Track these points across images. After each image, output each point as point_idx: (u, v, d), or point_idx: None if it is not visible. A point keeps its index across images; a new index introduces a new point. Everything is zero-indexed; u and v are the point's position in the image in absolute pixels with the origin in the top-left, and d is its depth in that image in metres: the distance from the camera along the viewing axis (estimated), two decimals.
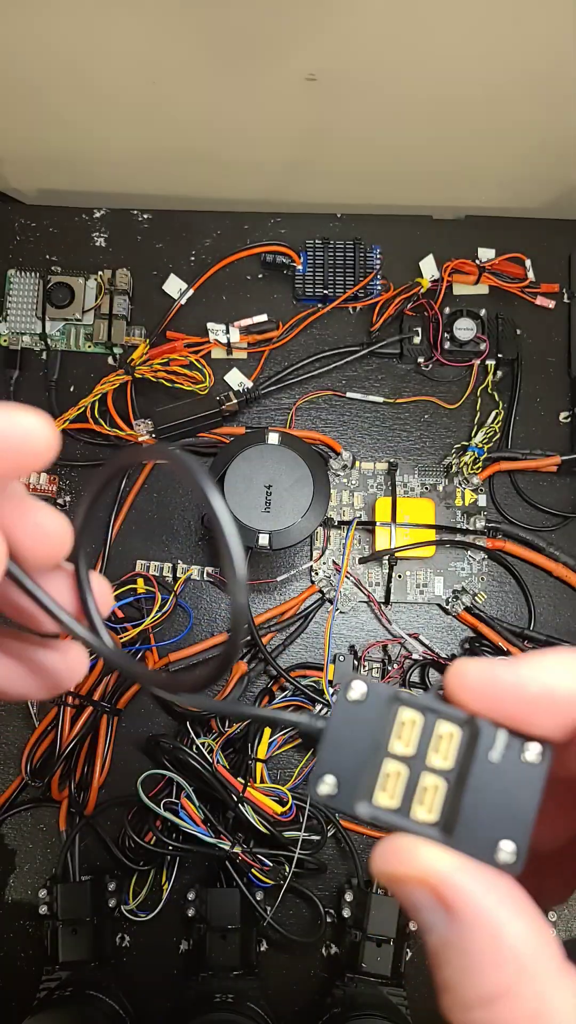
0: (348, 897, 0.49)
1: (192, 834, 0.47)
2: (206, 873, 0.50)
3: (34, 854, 0.52)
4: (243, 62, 0.47)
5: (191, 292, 0.58)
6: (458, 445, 0.56)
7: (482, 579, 0.55)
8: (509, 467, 0.55)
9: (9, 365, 0.57)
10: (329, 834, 0.50)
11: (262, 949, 0.50)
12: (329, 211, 0.60)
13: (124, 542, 0.55)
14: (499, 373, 0.57)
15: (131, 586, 0.53)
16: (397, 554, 0.52)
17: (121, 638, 0.51)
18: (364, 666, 0.53)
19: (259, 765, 0.49)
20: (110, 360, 0.58)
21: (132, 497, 0.55)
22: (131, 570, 0.54)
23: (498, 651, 0.52)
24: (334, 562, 0.54)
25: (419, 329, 0.57)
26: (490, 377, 0.57)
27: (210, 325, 0.57)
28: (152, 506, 0.56)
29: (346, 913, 0.49)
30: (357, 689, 0.18)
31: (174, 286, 0.58)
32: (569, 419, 0.57)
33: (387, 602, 0.54)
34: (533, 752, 0.17)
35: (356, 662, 0.53)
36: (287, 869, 0.47)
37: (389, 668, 0.53)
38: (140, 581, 0.53)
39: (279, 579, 0.54)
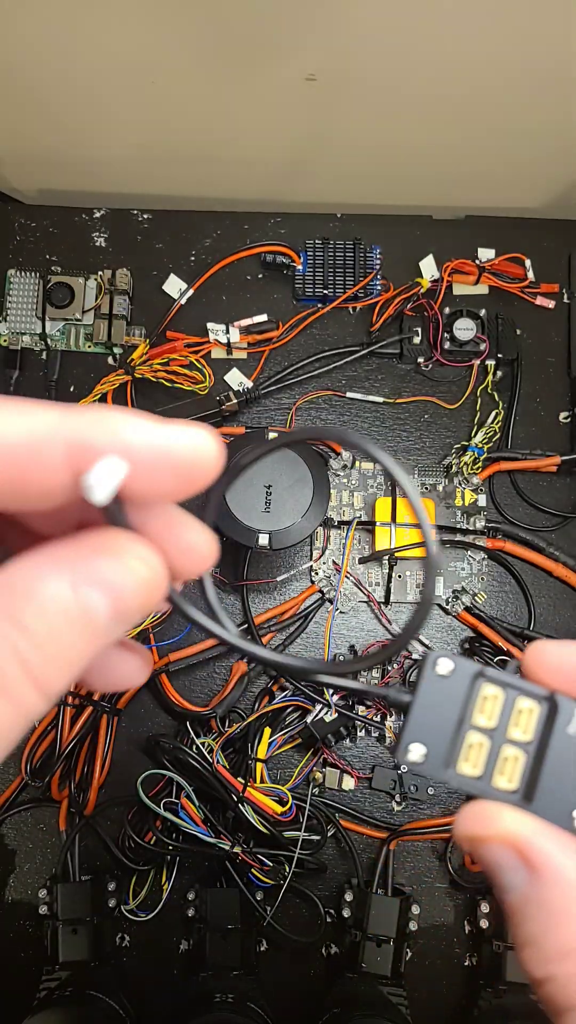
0: (348, 897, 0.49)
1: (192, 834, 0.47)
2: (206, 873, 0.50)
3: (34, 854, 0.52)
4: (243, 62, 0.47)
5: (191, 292, 0.58)
6: (458, 445, 0.56)
7: (482, 579, 0.55)
8: (509, 467, 0.55)
9: (9, 365, 0.57)
10: (329, 834, 0.50)
11: (262, 949, 0.50)
12: (329, 211, 0.60)
13: None
14: (499, 373, 0.57)
15: None
16: (397, 554, 0.52)
17: None
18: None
19: (259, 765, 0.49)
20: (110, 360, 0.58)
21: None
22: None
23: (498, 651, 0.52)
24: (334, 562, 0.54)
25: (419, 329, 0.57)
26: (490, 377, 0.57)
27: (210, 325, 0.57)
28: None
29: (346, 913, 0.49)
30: (444, 665, 0.19)
31: (174, 286, 0.58)
32: (569, 419, 0.57)
33: (387, 602, 0.54)
34: None
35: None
36: (287, 869, 0.47)
37: (389, 668, 0.53)
38: None
39: (279, 579, 0.54)
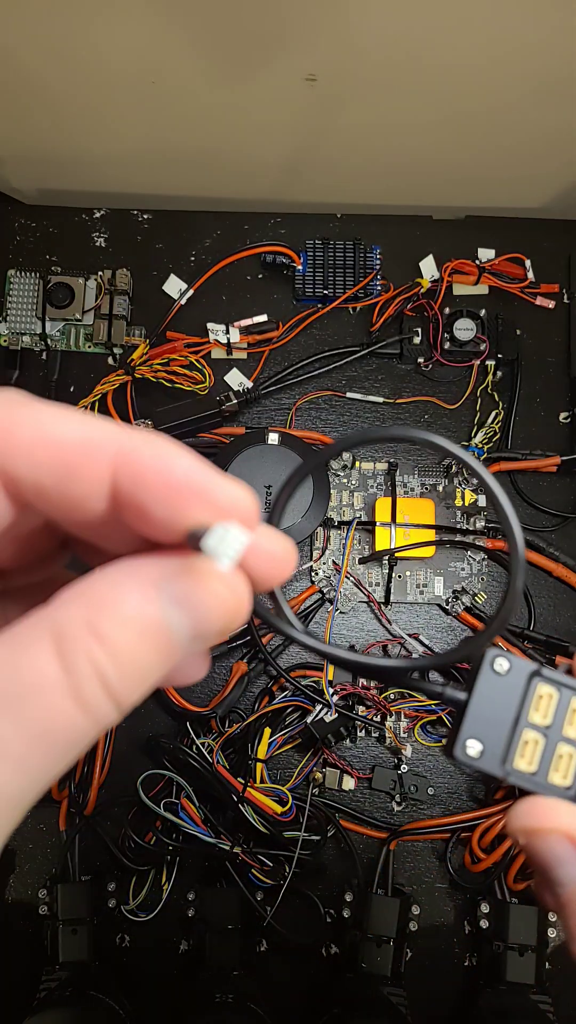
0: (348, 897, 0.49)
1: (192, 834, 0.47)
2: (206, 873, 0.50)
3: (34, 854, 0.52)
4: (243, 62, 0.47)
5: (191, 292, 0.58)
6: (459, 445, 0.56)
7: (482, 579, 0.55)
8: (509, 467, 0.55)
9: (9, 365, 0.57)
10: (329, 834, 0.50)
11: (262, 949, 0.50)
12: (329, 211, 0.60)
13: None
14: (499, 373, 0.57)
15: None
16: (397, 554, 0.52)
17: None
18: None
19: (259, 765, 0.49)
20: (110, 360, 0.58)
21: None
22: None
23: None
24: (334, 562, 0.54)
25: (419, 329, 0.57)
26: (490, 377, 0.57)
27: (210, 325, 0.57)
28: None
29: (346, 913, 0.49)
30: (501, 664, 0.20)
31: (174, 286, 0.58)
32: (569, 419, 0.57)
33: (387, 602, 0.54)
34: None
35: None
36: (287, 869, 0.47)
37: None
38: None
39: None
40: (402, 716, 0.52)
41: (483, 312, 0.56)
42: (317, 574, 0.54)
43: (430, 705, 0.51)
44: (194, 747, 0.48)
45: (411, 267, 0.58)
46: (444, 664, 0.21)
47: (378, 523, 0.53)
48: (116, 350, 0.58)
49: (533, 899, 0.48)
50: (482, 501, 0.55)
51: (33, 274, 0.58)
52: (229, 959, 0.47)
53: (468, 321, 0.56)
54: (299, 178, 0.59)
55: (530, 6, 0.42)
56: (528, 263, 0.58)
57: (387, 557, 0.53)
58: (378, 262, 0.58)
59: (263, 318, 0.57)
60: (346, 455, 0.55)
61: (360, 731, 0.52)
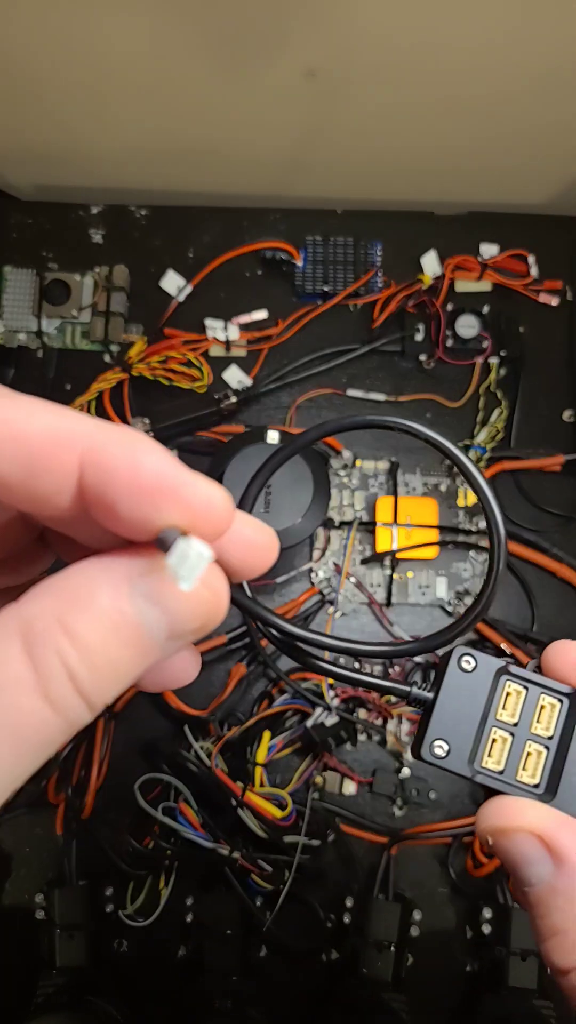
0: (348, 902, 0.49)
1: (190, 839, 0.46)
2: (205, 878, 0.49)
3: (31, 858, 0.51)
4: (242, 57, 0.47)
5: (189, 289, 0.57)
6: (460, 444, 0.55)
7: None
8: (512, 467, 0.54)
9: (5, 363, 0.57)
10: (329, 839, 0.50)
11: (261, 955, 0.49)
12: (329, 207, 0.59)
13: None
14: (502, 371, 0.56)
15: None
16: (399, 555, 0.52)
17: None
18: (365, 668, 0.52)
19: (258, 769, 0.48)
20: (107, 358, 0.57)
21: None
22: None
23: (500, 653, 0.51)
24: (334, 563, 0.54)
25: (421, 326, 0.56)
26: (493, 375, 0.56)
27: (208, 322, 0.56)
28: None
29: (346, 918, 0.48)
30: (468, 661, 0.20)
31: (172, 283, 0.58)
32: (573, 418, 0.56)
33: (388, 604, 0.53)
34: None
35: (357, 664, 0.52)
36: (286, 874, 0.47)
37: (391, 671, 0.52)
38: None
39: (278, 580, 0.53)
40: (403, 719, 0.51)
41: (486, 309, 0.56)
42: (317, 575, 0.54)
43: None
44: (192, 751, 0.48)
45: (413, 263, 0.58)
46: (423, 651, 0.20)
47: (379, 523, 0.52)
48: (113, 347, 0.57)
49: None
50: None
51: (29, 271, 0.57)
52: (228, 965, 0.47)
53: (471, 318, 0.55)
54: (299, 174, 0.59)
55: (533, 3, 0.41)
56: (532, 259, 0.57)
57: (388, 558, 0.52)
58: (379, 258, 0.58)
59: (262, 315, 0.56)
60: (347, 454, 0.55)
61: (361, 734, 0.52)
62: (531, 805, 0.19)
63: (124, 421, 0.54)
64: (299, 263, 0.57)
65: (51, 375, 0.57)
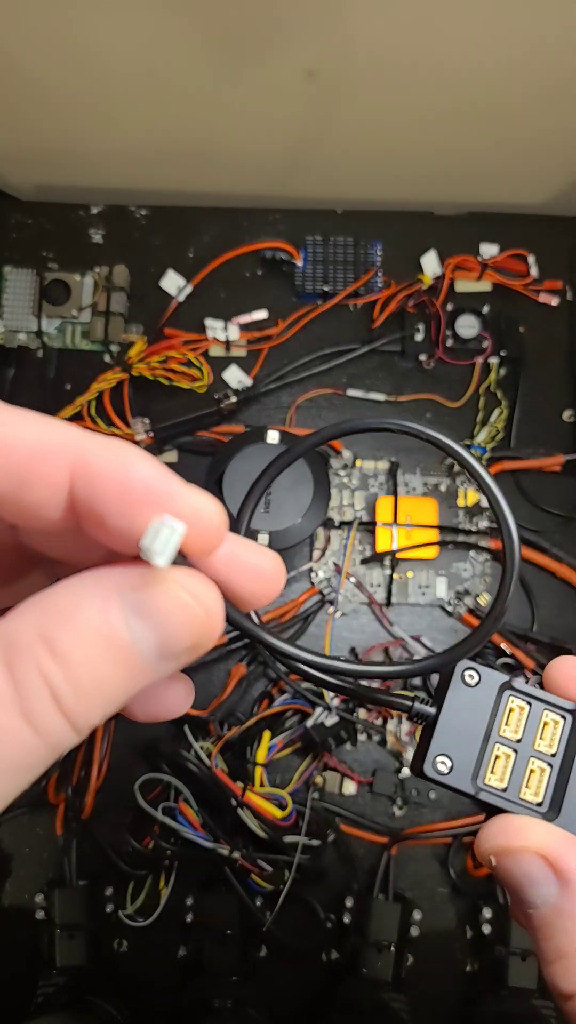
0: (348, 902, 0.49)
1: (190, 839, 0.46)
2: (205, 878, 0.49)
3: (31, 859, 0.51)
4: (243, 57, 0.47)
5: (190, 289, 0.57)
6: (461, 444, 0.55)
7: (485, 580, 0.54)
8: (512, 467, 0.54)
9: (5, 363, 0.57)
10: (329, 839, 0.50)
11: (261, 955, 0.49)
12: (329, 207, 0.59)
13: None
14: (502, 371, 0.56)
15: None
16: (399, 555, 0.52)
17: None
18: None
19: (258, 769, 0.48)
20: (107, 358, 0.57)
21: None
22: None
23: (500, 653, 0.51)
24: (334, 563, 0.54)
25: (421, 326, 0.56)
26: (493, 375, 0.56)
27: (208, 322, 0.56)
28: None
29: (346, 918, 0.48)
30: (471, 676, 0.19)
31: (172, 283, 0.58)
32: (573, 418, 0.56)
33: (388, 604, 0.53)
34: None
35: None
36: (287, 874, 0.47)
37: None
38: None
39: None
40: (403, 719, 0.51)
41: (486, 309, 0.56)
42: (317, 575, 0.54)
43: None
44: (192, 751, 0.48)
45: (412, 263, 0.58)
46: (420, 672, 0.20)
47: (379, 523, 0.52)
48: (113, 347, 0.57)
49: None
50: (485, 501, 0.55)
51: (29, 271, 0.57)
52: (228, 965, 0.47)
53: (471, 318, 0.55)
54: (299, 174, 0.59)
55: (533, 1, 0.41)
56: (531, 259, 0.57)
57: (388, 558, 0.52)
58: (379, 258, 0.58)
59: (262, 315, 0.56)
60: (347, 454, 0.55)
61: (361, 734, 0.52)
62: (535, 824, 0.18)
63: (124, 421, 0.54)
64: (299, 263, 0.57)
65: (51, 375, 0.57)
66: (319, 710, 0.49)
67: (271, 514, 0.48)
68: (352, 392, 0.56)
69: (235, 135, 0.54)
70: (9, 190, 0.60)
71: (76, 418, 0.54)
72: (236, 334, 0.56)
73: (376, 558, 0.53)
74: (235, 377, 0.56)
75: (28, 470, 0.14)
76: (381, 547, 0.52)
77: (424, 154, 0.55)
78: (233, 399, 0.54)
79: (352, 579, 0.53)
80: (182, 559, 0.15)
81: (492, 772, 0.19)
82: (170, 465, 0.45)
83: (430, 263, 0.57)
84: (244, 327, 0.56)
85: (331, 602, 0.53)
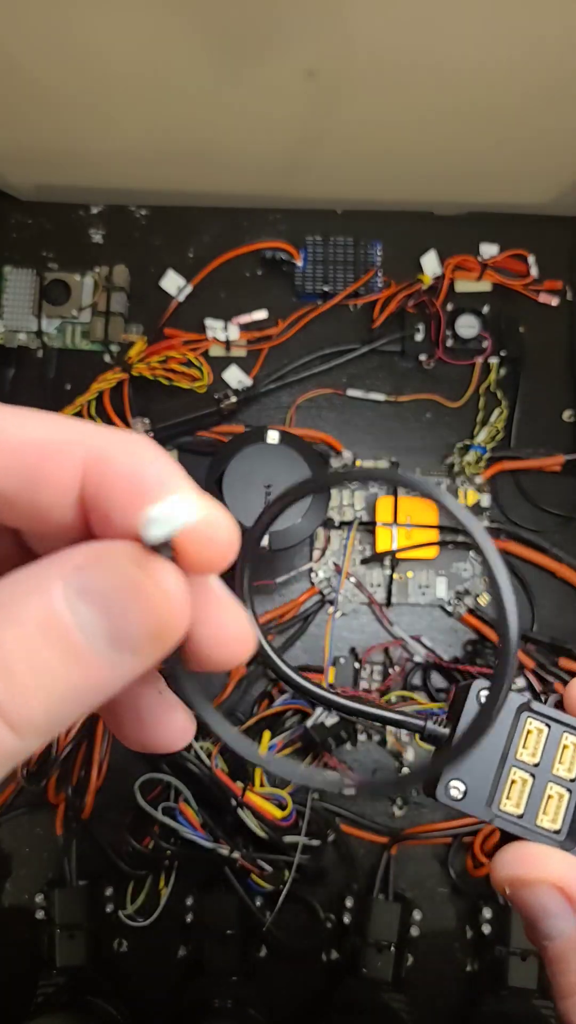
0: (348, 902, 0.49)
1: (190, 839, 0.46)
2: (205, 878, 0.50)
3: (31, 858, 0.51)
4: (243, 57, 0.47)
5: (189, 289, 0.57)
6: (460, 444, 0.55)
7: (485, 580, 0.54)
8: (512, 467, 0.54)
9: (5, 363, 0.57)
10: (329, 839, 0.50)
11: (261, 955, 0.49)
12: (329, 207, 0.59)
13: None
14: (502, 371, 0.56)
15: None
16: (398, 555, 0.52)
17: None
18: (365, 668, 0.52)
19: (258, 769, 0.48)
20: (107, 358, 0.57)
21: None
22: None
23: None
24: (334, 563, 0.54)
25: (421, 326, 0.56)
26: (493, 375, 0.56)
27: (208, 322, 0.56)
28: None
29: (346, 918, 0.48)
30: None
31: (172, 283, 0.58)
32: (573, 418, 0.56)
33: (388, 604, 0.53)
34: None
35: (357, 665, 0.52)
36: (287, 874, 0.47)
37: (390, 671, 0.52)
38: None
39: (278, 580, 0.53)
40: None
41: (486, 309, 0.56)
42: (317, 575, 0.54)
43: (432, 708, 0.50)
44: (192, 750, 0.48)
45: (412, 263, 0.58)
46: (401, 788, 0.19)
47: (379, 523, 0.52)
48: (113, 347, 0.57)
49: None
50: (485, 501, 0.55)
51: (29, 271, 0.57)
52: (228, 965, 0.47)
53: (471, 318, 0.55)
54: (299, 174, 0.59)
55: (533, 1, 0.41)
56: (532, 259, 0.57)
57: (388, 558, 0.52)
58: (379, 258, 0.58)
59: (262, 315, 0.56)
60: (347, 454, 0.55)
61: (361, 734, 0.52)
62: (552, 854, 0.17)
63: (124, 421, 0.54)
64: (299, 263, 0.57)
65: (51, 375, 0.57)
66: (319, 710, 0.49)
67: None
68: (352, 392, 0.56)
69: (235, 135, 0.54)
70: (9, 190, 0.60)
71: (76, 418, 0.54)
72: (236, 334, 0.56)
73: (376, 558, 0.53)
74: (235, 377, 0.56)
75: (39, 471, 0.14)
76: (381, 547, 0.52)
77: (424, 154, 0.55)
78: (233, 399, 0.54)
79: (352, 579, 0.53)
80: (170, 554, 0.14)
81: (508, 797, 0.18)
82: None
83: (430, 263, 0.57)
84: (244, 327, 0.56)
85: (331, 602, 0.53)
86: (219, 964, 0.47)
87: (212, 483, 0.48)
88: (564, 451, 0.54)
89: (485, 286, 0.57)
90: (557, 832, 0.18)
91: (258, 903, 0.48)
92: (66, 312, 0.56)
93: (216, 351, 0.57)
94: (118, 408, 0.55)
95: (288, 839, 0.47)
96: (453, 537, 0.53)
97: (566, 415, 0.56)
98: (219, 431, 0.54)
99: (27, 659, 0.12)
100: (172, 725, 0.16)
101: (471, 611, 0.53)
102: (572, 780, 0.18)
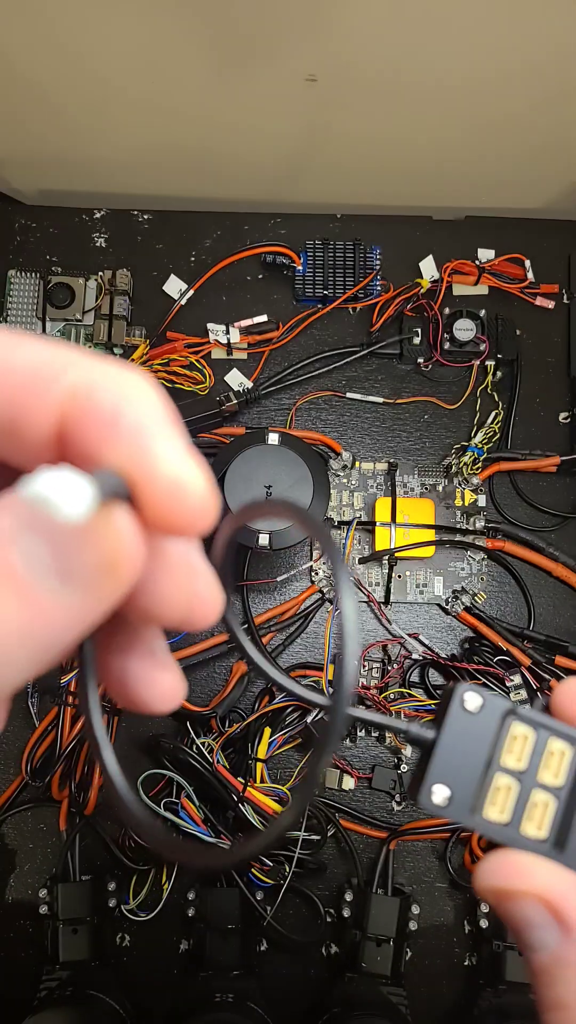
0: (348, 896, 0.49)
1: (192, 834, 0.47)
2: (206, 873, 0.50)
3: (34, 854, 0.52)
4: (243, 62, 0.47)
5: (191, 292, 0.58)
6: (458, 445, 0.56)
7: (482, 579, 0.55)
8: (509, 467, 0.55)
9: None
10: (329, 834, 0.50)
11: (262, 949, 0.50)
12: (329, 211, 0.60)
13: None
14: (499, 373, 0.57)
15: None
16: (397, 554, 0.52)
17: None
18: (364, 666, 0.53)
19: (259, 765, 0.49)
20: None
21: None
22: None
23: (498, 651, 0.52)
24: None
25: (419, 329, 0.57)
26: (490, 377, 0.57)
27: (210, 326, 0.57)
28: None
29: (346, 912, 0.49)
30: (472, 700, 0.18)
31: (174, 286, 0.58)
32: (569, 419, 0.57)
33: (387, 602, 0.54)
34: None
35: (356, 662, 0.53)
36: (287, 869, 0.47)
37: (389, 668, 0.53)
38: None
39: (279, 579, 0.54)
40: (402, 716, 0.52)
41: (483, 312, 0.56)
42: (317, 574, 0.54)
43: (429, 705, 0.51)
44: (194, 747, 0.48)
45: (411, 267, 0.58)
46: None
47: (378, 523, 0.53)
48: (116, 350, 0.58)
49: None
50: (482, 501, 0.55)
51: (33, 274, 0.58)
52: (229, 959, 0.47)
53: (468, 321, 0.56)
54: (299, 179, 0.59)
55: (529, 7, 0.42)
56: (528, 263, 0.58)
57: (387, 557, 0.53)
58: (378, 262, 0.59)
59: (263, 318, 0.57)
60: (346, 455, 0.55)
61: (360, 731, 0.52)
62: (538, 864, 0.17)
63: None
64: (299, 267, 0.57)
65: None
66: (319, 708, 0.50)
67: None
68: (352, 395, 0.57)
69: (236, 140, 0.55)
70: (14, 195, 0.61)
71: None
72: (237, 337, 0.57)
73: (375, 557, 0.53)
74: (236, 380, 0.57)
75: (23, 397, 0.13)
76: (380, 546, 0.52)
77: (423, 160, 0.56)
78: (234, 401, 0.54)
79: (351, 578, 0.54)
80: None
81: (492, 804, 0.18)
82: None
83: (428, 267, 0.58)
84: (245, 330, 0.57)
85: (331, 600, 0.54)
86: (220, 958, 0.47)
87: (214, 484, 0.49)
88: (560, 452, 0.55)
89: (482, 290, 0.58)
90: (543, 841, 0.17)
91: (259, 897, 0.49)
92: (70, 315, 0.57)
93: (218, 354, 0.57)
94: None
95: (288, 834, 0.48)
96: (450, 536, 0.54)
97: (562, 417, 0.57)
98: (221, 433, 0.55)
99: None
100: (162, 685, 0.16)
101: (468, 609, 0.53)
102: (559, 788, 0.18)
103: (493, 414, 0.56)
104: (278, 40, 0.46)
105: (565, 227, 0.59)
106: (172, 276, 0.58)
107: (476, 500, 0.55)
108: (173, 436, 0.13)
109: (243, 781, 0.48)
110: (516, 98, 0.49)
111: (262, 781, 0.49)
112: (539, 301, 0.58)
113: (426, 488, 0.56)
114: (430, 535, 0.52)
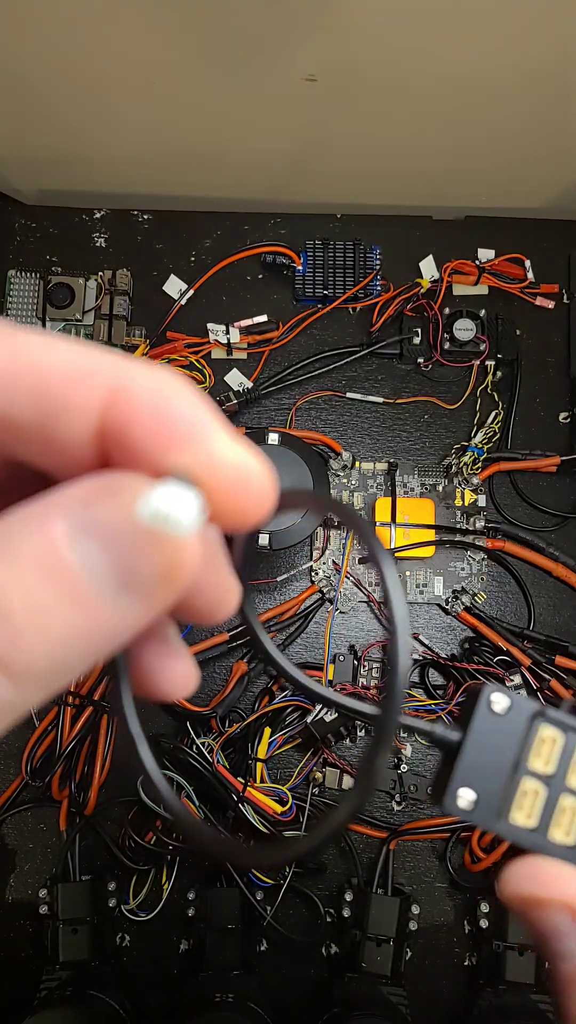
0: (348, 896, 0.49)
1: None
2: (206, 873, 0.50)
3: (34, 854, 0.52)
4: (243, 62, 0.48)
5: (191, 292, 0.58)
6: (458, 445, 0.56)
7: (482, 579, 0.55)
8: (509, 467, 0.55)
9: None
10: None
11: (262, 949, 0.50)
12: (329, 211, 0.60)
13: None
14: (499, 373, 0.57)
15: None
16: (397, 554, 0.52)
17: None
18: (364, 666, 0.53)
19: (259, 765, 0.49)
20: None
21: None
22: None
23: (498, 651, 0.52)
24: (334, 562, 0.54)
25: (419, 329, 0.57)
26: (490, 377, 0.57)
27: (210, 326, 0.57)
28: None
29: (346, 912, 0.49)
30: (500, 702, 0.18)
31: (174, 286, 0.58)
32: (569, 419, 0.57)
33: (387, 602, 0.54)
34: None
35: (356, 662, 0.53)
36: (287, 869, 0.47)
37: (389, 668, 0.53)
38: None
39: (279, 579, 0.54)
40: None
41: (483, 312, 0.56)
42: (317, 574, 0.54)
43: (430, 705, 0.51)
44: (194, 747, 0.48)
45: (411, 267, 0.58)
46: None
47: (378, 523, 0.53)
48: (116, 351, 0.58)
49: None
50: (482, 501, 0.55)
51: (33, 274, 0.58)
52: (229, 959, 0.47)
53: (468, 321, 0.56)
54: (299, 178, 0.59)
55: (529, 7, 0.42)
56: (528, 263, 0.58)
57: None
58: (378, 262, 0.59)
59: (263, 318, 0.57)
60: (346, 455, 0.55)
61: (360, 730, 0.52)
62: (566, 871, 0.16)
63: None
64: (299, 267, 0.57)
65: None
66: (319, 706, 0.50)
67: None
68: (352, 395, 0.57)
69: (237, 140, 0.55)
70: (14, 194, 0.61)
71: None
72: (237, 337, 0.57)
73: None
74: (236, 379, 0.57)
75: (61, 400, 0.12)
76: None
77: (422, 159, 0.56)
78: (234, 401, 0.54)
79: (351, 578, 0.54)
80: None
81: (519, 809, 0.17)
82: None
83: (428, 267, 0.58)
84: (245, 330, 0.57)
85: (331, 600, 0.54)
86: (220, 958, 0.47)
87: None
88: (560, 452, 0.55)
89: (482, 290, 0.58)
90: (572, 847, 0.17)
91: (259, 897, 0.49)
92: (70, 315, 0.57)
93: (218, 354, 0.57)
94: None
95: (288, 834, 0.48)
96: (450, 536, 0.54)
97: (562, 417, 0.57)
98: None
99: (24, 600, 0.11)
100: (177, 673, 0.15)
101: (467, 609, 0.53)
102: None
103: (493, 414, 0.56)
104: (278, 40, 0.46)
105: (565, 227, 0.59)
106: (172, 276, 0.59)
107: (476, 500, 0.55)
108: (223, 425, 0.13)
109: (243, 781, 0.48)
110: (516, 98, 0.49)
111: (262, 781, 0.49)
112: (539, 301, 0.58)
113: (426, 488, 0.56)
114: (430, 535, 0.52)
